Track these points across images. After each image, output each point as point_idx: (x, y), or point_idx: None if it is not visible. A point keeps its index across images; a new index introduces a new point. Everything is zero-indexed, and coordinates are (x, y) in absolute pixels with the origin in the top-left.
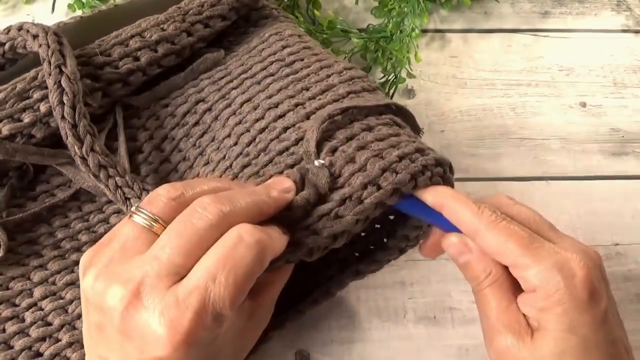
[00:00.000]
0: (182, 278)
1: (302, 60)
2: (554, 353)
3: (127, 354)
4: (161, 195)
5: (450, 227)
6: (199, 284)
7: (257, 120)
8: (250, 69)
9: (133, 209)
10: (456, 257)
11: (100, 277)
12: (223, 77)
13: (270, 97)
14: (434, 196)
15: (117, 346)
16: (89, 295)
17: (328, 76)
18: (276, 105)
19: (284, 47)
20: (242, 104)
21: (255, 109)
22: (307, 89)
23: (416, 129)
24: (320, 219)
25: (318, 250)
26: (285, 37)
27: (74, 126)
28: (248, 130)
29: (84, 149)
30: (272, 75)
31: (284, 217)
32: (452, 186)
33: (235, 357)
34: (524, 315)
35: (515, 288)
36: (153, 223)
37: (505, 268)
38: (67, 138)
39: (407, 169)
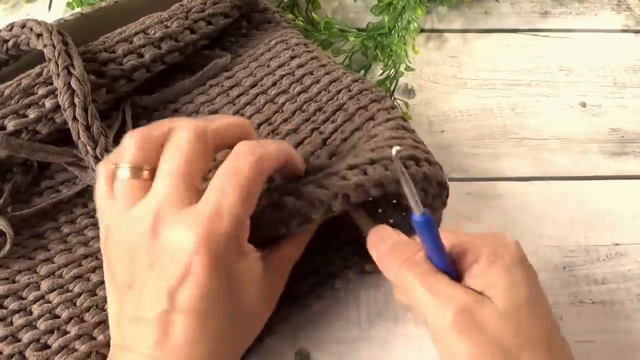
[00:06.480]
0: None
1: (312, 74)
2: (511, 304)
3: (159, 285)
4: None
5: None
6: (210, 196)
7: None
8: (260, 80)
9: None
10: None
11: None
12: (233, 87)
13: (287, 120)
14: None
15: (150, 282)
16: (113, 252)
17: (338, 92)
18: (295, 131)
19: (292, 58)
20: (259, 125)
21: (274, 132)
22: (321, 110)
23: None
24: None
25: (322, 205)
26: (292, 45)
27: (88, 127)
28: None
29: (98, 150)
30: (285, 92)
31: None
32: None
33: (258, 310)
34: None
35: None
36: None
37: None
38: (78, 139)
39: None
